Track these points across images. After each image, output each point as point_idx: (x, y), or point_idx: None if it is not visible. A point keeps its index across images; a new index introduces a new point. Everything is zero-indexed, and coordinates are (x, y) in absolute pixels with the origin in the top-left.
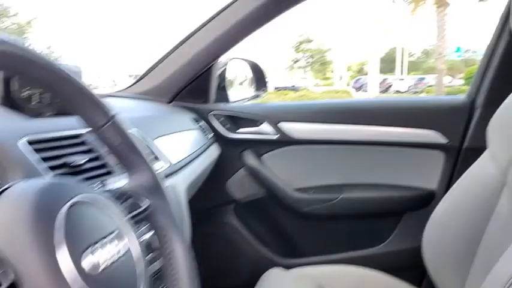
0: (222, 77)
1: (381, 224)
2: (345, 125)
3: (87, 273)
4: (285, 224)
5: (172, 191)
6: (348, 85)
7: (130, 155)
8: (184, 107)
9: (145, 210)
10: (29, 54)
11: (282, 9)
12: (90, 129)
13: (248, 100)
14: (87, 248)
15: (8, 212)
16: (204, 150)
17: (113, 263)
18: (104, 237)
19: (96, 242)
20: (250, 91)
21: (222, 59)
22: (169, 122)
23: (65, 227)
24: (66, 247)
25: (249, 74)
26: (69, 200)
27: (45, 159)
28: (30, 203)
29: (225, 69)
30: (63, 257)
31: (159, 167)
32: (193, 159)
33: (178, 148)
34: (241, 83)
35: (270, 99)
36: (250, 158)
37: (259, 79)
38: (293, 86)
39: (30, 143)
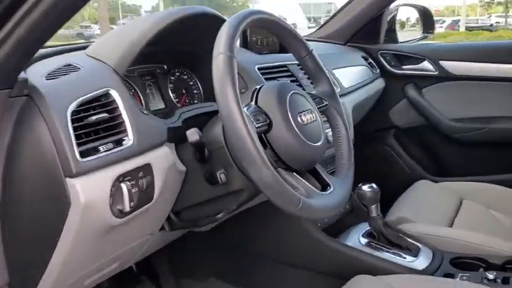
0: (392, 21)
1: None
2: (498, 64)
3: (299, 124)
4: (437, 148)
5: (343, 107)
6: None
7: (319, 74)
8: (357, 47)
9: (325, 105)
10: (267, 16)
11: None
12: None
13: (416, 41)
14: (298, 113)
15: (267, 94)
16: (370, 82)
17: (309, 122)
18: (305, 110)
19: (302, 112)
20: (418, 33)
21: (393, 5)
22: (344, 58)
23: (289, 103)
24: (289, 111)
25: (418, 17)
26: (291, 90)
27: (266, 79)
28: (276, 90)
29: (395, 14)
30: (289, 114)
31: None
32: (360, 87)
33: (349, 78)
34: (410, 26)
35: (455, 40)
36: (411, 91)
37: (427, 22)
38: (491, 25)
39: (259, 69)
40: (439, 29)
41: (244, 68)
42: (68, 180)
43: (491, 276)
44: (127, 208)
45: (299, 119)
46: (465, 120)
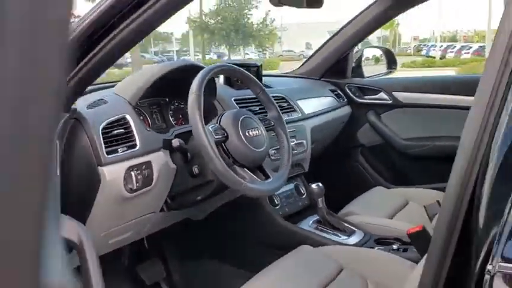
0: (359, 60)
1: None
2: (438, 95)
3: (247, 136)
4: (394, 162)
5: (302, 128)
6: None
7: (269, 105)
8: (328, 81)
9: (272, 124)
10: (228, 67)
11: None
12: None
13: (382, 76)
14: (247, 130)
15: (226, 118)
16: (333, 109)
17: (255, 136)
18: (252, 128)
19: (250, 129)
20: (383, 69)
21: (360, 47)
22: (312, 91)
23: (240, 123)
24: (240, 128)
25: (382, 56)
26: (244, 115)
27: (241, 107)
28: (233, 115)
29: (362, 54)
30: (240, 130)
31: (294, 114)
32: (321, 114)
33: (311, 106)
34: (374, 63)
35: (475, 66)
36: (371, 117)
37: (390, 60)
38: None
39: (235, 100)
40: (465, 55)
41: (223, 99)
42: (99, 167)
43: (395, 247)
44: (134, 187)
45: (247, 133)
46: (414, 139)
